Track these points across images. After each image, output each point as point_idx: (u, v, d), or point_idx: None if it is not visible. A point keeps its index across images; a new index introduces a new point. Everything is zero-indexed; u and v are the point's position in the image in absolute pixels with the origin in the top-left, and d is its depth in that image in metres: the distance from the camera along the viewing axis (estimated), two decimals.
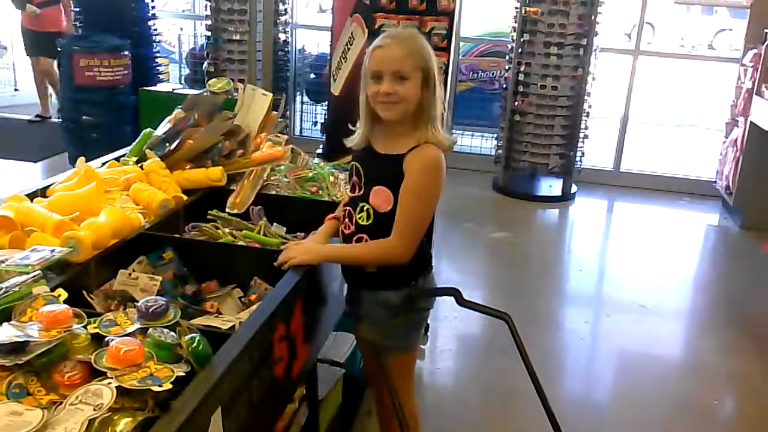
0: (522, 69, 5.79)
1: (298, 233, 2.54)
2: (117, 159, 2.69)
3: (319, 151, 3.98)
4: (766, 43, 5.33)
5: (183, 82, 7.51)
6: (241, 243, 2.31)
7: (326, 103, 7.19)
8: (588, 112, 5.90)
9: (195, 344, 1.44)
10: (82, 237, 1.90)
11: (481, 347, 3.58)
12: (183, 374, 1.39)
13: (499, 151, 6.07)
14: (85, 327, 1.49)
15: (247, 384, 1.58)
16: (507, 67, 6.03)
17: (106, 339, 1.46)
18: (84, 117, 5.69)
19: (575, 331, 3.93)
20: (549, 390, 1.92)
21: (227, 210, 2.53)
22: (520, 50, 5.81)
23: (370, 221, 2.01)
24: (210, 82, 3.28)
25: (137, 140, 2.76)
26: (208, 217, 2.49)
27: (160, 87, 4.20)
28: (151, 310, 1.54)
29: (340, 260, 2.17)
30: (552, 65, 5.71)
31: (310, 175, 2.73)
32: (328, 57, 7.00)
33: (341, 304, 2.40)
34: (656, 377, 3.48)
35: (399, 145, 1.98)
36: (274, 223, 2.54)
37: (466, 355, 3.57)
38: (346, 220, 2.09)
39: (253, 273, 2.11)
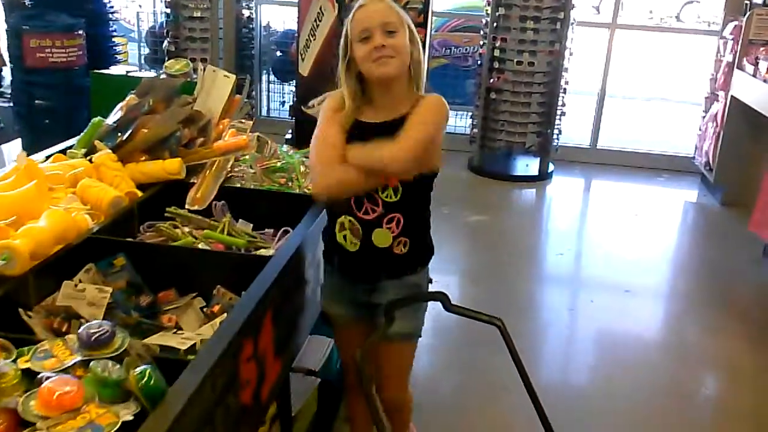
0: (497, 44, 5.57)
1: (266, 229, 2.33)
2: (63, 151, 2.44)
3: (288, 135, 3.73)
4: (746, 15, 5.18)
5: (143, 62, 7.16)
6: (202, 244, 2.09)
7: (294, 82, 7.03)
8: (565, 89, 5.72)
9: (146, 379, 1.23)
10: (17, 247, 1.66)
11: (463, 340, 3.41)
12: (131, 418, 1.17)
13: (475, 130, 5.87)
14: (14, 361, 1.27)
15: (209, 417, 1.38)
16: (481, 42, 5.80)
17: (40, 376, 1.23)
18: (36, 101, 5.36)
19: (558, 315, 3.78)
20: (533, 376, 1.80)
21: (187, 206, 2.30)
22: (495, 25, 5.58)
23: (398, 196, 1.91)
24: (167, 63, 3.03)
25: (86, 130, 2.51)
26: (166, 214, 2.25)
27: (114, 69, 3.89)
28: (93, 337, 1.32)
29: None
30: (528, 40, 5.50)
31: (279, 164, 2.50)
32: (296, 34, 6.77)
33: (317, 305, 2.20)
34: (641, 361, 3.39)
35: (399, 108, 1.90)
36: (240, 220, 2.32)
37: (447, 349, 3.39)
38: (367, 204, 1.91)
39: (217, 280, 1.89)
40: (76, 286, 1.79)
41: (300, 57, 3.52)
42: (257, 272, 1.77)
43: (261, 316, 1.66)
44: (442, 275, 3.55)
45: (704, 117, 5.83)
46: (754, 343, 3.58)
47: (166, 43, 5.97)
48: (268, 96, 7.11)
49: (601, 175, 6.25)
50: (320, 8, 3.43)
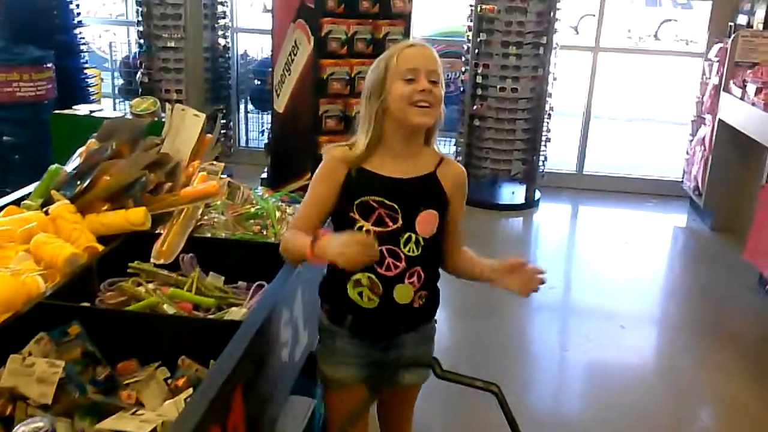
0: (479, 71, 5.45)
1: (239, 282, 2.15)
2: (17, 202, 2.25)
3: (264, 175, 3.54)
4: (731, 38, 5.10)
5: (117, 92, 6.98)
6: (167, 305, 1.90)
7: (270, 118, 6.87)
8: (550, 114, 5.60)
9: None
10: None
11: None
12: None
13: (458, 158, 5.73)
14: None
15: None
16: (463, 69, 5.69)
17: None
18: (4, 137, 5.15)
19: (553, 356, 3.61)
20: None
21: (152, 260, 2.12)
22: (476, 51, 5.47)
23: (419, 251, 1.81)
24: (132, 102, 2.87)
25: (42, 178, 2.32)
26: (129, 270, 2.07)
27: (78, 108, 3.69)
28: None
29: None
30: (511, 66, 5.38)
31: (253, 210, 2.33)
32: (270, 68, 6.64)
33: (295, 369, 2.02)
34: (632, 392, 3.28)
35: (424, 163, 1.85)
36: (210, 273, 2.14)
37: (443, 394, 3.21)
38: (389, 260, 1.79)
39: (182, 348, 1.71)
40: (24, 360, 1.60)
41: (275, 92, 3.33)
42: (227, 338, 1.59)
43: (230, 393, 1.48)
44: None
45: (692, 140, 5.74)
46: (749, 374, 3.43)
47: (139, 74, 5.79)
48: (246, 126, 6.94)
49: (589, 201, 6.12)
50: (295, 41, 3.24)
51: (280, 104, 3.38)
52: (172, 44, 5.72)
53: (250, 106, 7.08)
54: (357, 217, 1.76)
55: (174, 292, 1.95)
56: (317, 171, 1.81)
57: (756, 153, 4.99)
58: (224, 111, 6.27)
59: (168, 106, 2.67)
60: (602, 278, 4.53)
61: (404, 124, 1.76)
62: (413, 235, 1.79)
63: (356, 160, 1.77)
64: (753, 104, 4.55)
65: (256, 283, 2.08)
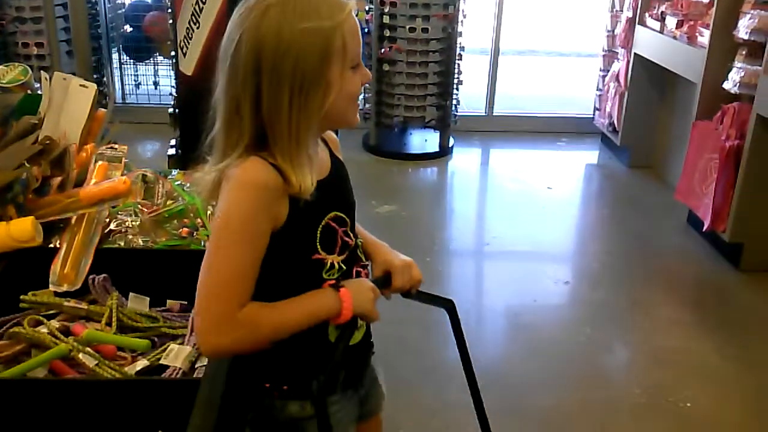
0: (386, 10, 4.99)
1: (169, 303, 1.68)
2: None
3: (171, 151, 2.97)
4: None
5: None
6: (83, 355, 1.41)
7: (151, 62, 6.13)
8: (461, 55, 5.24)
9: None
10: None
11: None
12: None
13: (368, 106, 5.29)
14: None
15: None
16: (367, 7, 5.19)
17: None
18: None
19: (502, 322, 3.35)
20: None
21: (52, 286, 1.60)
22: None
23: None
24: None
25: None
26: (22, 305, 1.55)
27: None
28: None
29: None
30: (420, 4, 4.94)
31: (176, 207, 1.83)
32: (148, 7, 5.85)
33: None
34: (571, 344, 3.13)
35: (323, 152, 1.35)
36: (131, 295, 1.66)
37: None
38: (358, 268, 1.39)
39: (105, 423, 1.24)
40: None
41: (180, 51, 2.75)
42: (181, 402, 1.15)
43: None
44: None
45: (604, 76, 5.57)
46: (692, 322, 3.32)
47: None
48: (122, 79, 6.16)
49: (501, 144, 5.88)
50: None
51: (188, 65, 2.77)
52: None
53: (124, 57, 6.28)
54: (323, 254, 1.26)
55: (91, 335, 1.46)
56: (240, 208, 1.15)
57: (672, 87, 4.88)
58: (95, 65, 5.50)
59: (43, 74, 2.08)
60: (534, 230, 4.31)
61: (337, 126, 1.31)
62: (358, 241, 1.39)
63: (301, 190, 1.17)
64: (675, 38, 4.37)
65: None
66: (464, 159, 5.52)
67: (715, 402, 2.79)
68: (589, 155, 5.70)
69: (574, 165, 5.55)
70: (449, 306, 1.53)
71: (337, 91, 1.16)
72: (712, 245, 3.98)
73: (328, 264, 1.27)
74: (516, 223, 4.40)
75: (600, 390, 2.82)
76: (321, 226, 1.25)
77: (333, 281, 1.28)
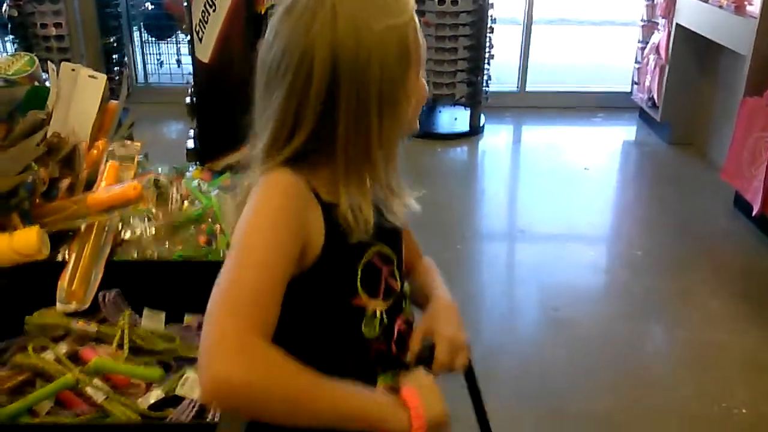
0: None
1: (187, 320, 1.55)
2: None
3: (189, 143, 2.81)
4: None
5: None
6: (90, 389, 1.28)
7: (174, 39, 5.97)
8: (492, 28, 5.01)
9: None
10: None
11: None
12: None
13: None
14: None
15: None
16: None
17: None
18: None
19: (542, 318, 3.18)
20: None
21: (59, 305, 1.47)
22: None
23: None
24: (0, 61, 2.09)
25: None
26: (26, 327, 1.42)
27: None
28: None
29: None
30: None
31: (193, 212, 1.68)
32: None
33: None
34: (620, 337, 2.98)
35: None
36: (145, 311, 1.52)
37: None
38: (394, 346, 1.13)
39: None
40: None
41: (195, 36, 2.57)
42: None
43: None
44: None
45: (643, 48, 5.30)
46: (742, 313, 3.12)
47: (5, 7, 4.79)
48: (144, 59, 6.02)
49: (534, 120, 5.65)
50: None
51: (205, 51, 2.57)
52: None
53: (145, 35, 6.13)
54: (365, 298, 1.05)
55: (99, 365, 1.32)
56: (270, 201, 0.98)
57: (716, 60, 4.62)
58: (115, 44, 5.36)
59: (50, 66, 1.93)
60: (564, 209, 4.11)
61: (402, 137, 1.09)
62: (406, 288, 1.19)
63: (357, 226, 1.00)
64: (721, 7, 4.11)
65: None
66: (496, 138, 5.31)
67: None
68: (626, 131, 5.46)
69: (611, 142, 5.32)
70: (467, 371, 1.24)
71: (415, 98, 1.04)
72: (761, 230, 3.76)
73: (370, 312, 1.05)
74: (551, 206, 4.20)
75: (647, 394, 2.65)
76: (363, 262, 1.04)
77: (377, 346, 1.05)
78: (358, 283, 1.04)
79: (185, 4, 2.69)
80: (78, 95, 1.92)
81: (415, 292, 1.24)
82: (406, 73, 1.00)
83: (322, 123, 0.97)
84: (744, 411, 2.53)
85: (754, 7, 3.76)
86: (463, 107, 5.19)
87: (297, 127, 0.98)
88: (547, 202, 4.25)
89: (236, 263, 0.91)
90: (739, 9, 3.94)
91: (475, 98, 5.09)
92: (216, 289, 0.88)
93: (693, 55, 4.75)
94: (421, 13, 4.66)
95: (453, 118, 5.32)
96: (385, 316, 1.08)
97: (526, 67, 5.70)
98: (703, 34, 4.38)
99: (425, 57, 1.05)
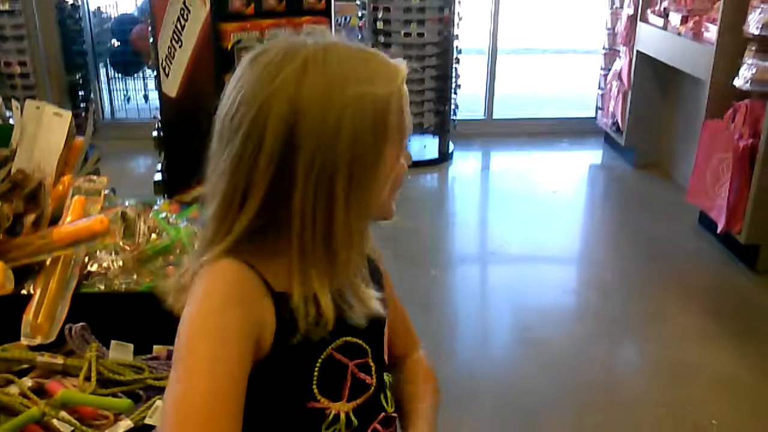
0: (380, 15, 4.84)
1: (156, 350, 1.54)
2: None
3: (157, 176, 2.82)
4: None
5: None
6: (57, 422, 1.26)
7: (140, 75, 5.97)
8: (458, 58, 5.10)
9: None
10: None
11: None
12: None
13: None
14: None
15: None
16: (359, 13, 5.04)
17: None
18: None
19: (512, 340, 3.20)
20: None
21: (24, 339, 1.46)
22: None
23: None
24: None
25: None
26: None
27: None
28: None
29: None
30: (415, 8, 4.80)
31: (161, 244, 1.68)
32: (134, 19, 5.69)
33: None
34: (585, 353, 3.00)
35: None
36: (113, 343, 1.51)
37: None
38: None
39: None
40: None
41: (162, 71, 2.58)
42: None
43: None
44: None
45: (605, 74, 5.42)
46: (710, 329, 3.17)
47: None
48: (110, 95, 6.01)
49: (502, 147, 5.73)
50: (184, 2, 2.46)
51: (172, 86, 2.58)
52: (6, 6, 4.73)
53: (112, 72, 6.13)
54: (323, 401, 0.92)
55: (65, 396, 1.31)
56: (213, 302, 0.86)
57: (677, 85, 4.75)
58: (81, 81, 5.36)
59: (14, 103, 1.93)
60: (534, 232, 4.16)
61: (373, 221, 0.96)
62: (386, 378, 1.04)
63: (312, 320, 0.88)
64: (679, 34, 4.23)
65: None
66: (465, 164, 5.37)
67: (742, 418, 2.64)
68: (593, 156, 5.56)
69: (577, 167, 5.42)
70: None
71: (391, 181, 0.91)
72: (726, 247, 3.83)
73: (331, 416, 0.92)
74: (521, 229, 4.25)
75: (621, 409, 2.67)
76: (321, 359, 0.91)
77: None
78: (314, 385, 0.91)
79: (151, 39, 2.70)
80: (43, 132, 1.91)
81: (399, 400, 1.08)
82: (382, 150, 0.87)
83: (275, 193, 0.84)
84: (714, 422, 2.56)
85: (711, 33, 3.87)
86: (431, 135, 5.25)
87: (247, 195, 0.85)
88: (517, 226, 4.30)
89: (182, 377, 0.81)
90: (697, 36, 4.06)
91: (443, 126, 5.16)
92: (165, 406, 0.81)
93: (654, 81, 4.87)
94: (387, 45, 4.76)
95: (422, 146, 5.37)
96: (353, 416, 0.94)
97: (493, 95, 5.79)
98: (663, 60, 4.50)
99: (408, 136, 0.93)
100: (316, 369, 0.91)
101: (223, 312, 0.84)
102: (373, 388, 0.98)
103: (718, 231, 3.69)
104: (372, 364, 0.98)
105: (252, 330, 0.85)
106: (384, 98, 0.87)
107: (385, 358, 1.04)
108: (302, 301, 0.86)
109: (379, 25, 4.85)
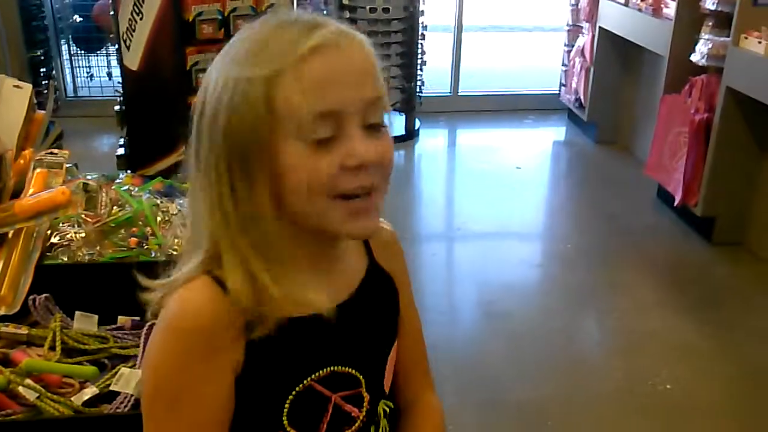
0: None
1: (120, 320, 1.56)
2: None
3: (120, 150, 2.79)
4: None
5: None
6: (23, 389, 1.28)
7: (103, 52, 5.88)
8: (423, 35, 5.11)
9: None
10: None
11: None
12: None
13: None
14: None
15: None
16: None
17: None
18: None
19: (475, 314, 3.26)
20: None
21: None
22: None
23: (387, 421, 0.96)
24: None
25: None
26: None
27: None
28: None
29: None
30: None
31: (124, 216, 1.69)
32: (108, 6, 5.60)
33: None
34: (549, 328, 3.06)
35: (351, 252, 0.95)
36: (77, 314, 1.53)
37: None
38: None
39: None
40: None
41: (123, 44, 2.56)
42: None
43: None
44: None
45: (569, 51, 5.48)
46: (669, 299, 3.27)
47: None
48: (73, 72, 5.91)
49: (467, 124, 5.77)
50: None
51: (133, 59, 2.55)
52: None
53: (74, 48, 6.03)
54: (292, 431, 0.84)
55: (31, 365, 1.33)
56: (165, 359, 0.82)
57: (638, 61, 4.82)
58: (43, 57, 5.27)
59: None
60: (498, 208, 4.23)
61: (320, 233, 0.84)
62: (385, 407, 0.95)
63: (253, 309, 0.80)
64: (640, 10, 4.30)
65: (149, 323, 1.49)
66: (431, 141, 5.41)
67: (695, 382, 2.74)
68: (556, 132, 5.63)
69: (541, 143, 5.49)
70: None
71: (296, 179, 0.77)
72: (683, 220, 3.94)
73: None
74: (486, 205, 4.31)
75: (581, 377, 2.76)
76: (296, 391, 0.83)
77: None
78: (284, 416, 0.83)
79: (111, 12, 2.68)
80: (3, 106, 1.91)
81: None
82: (269, 136, 0.76)
83: (200, 187, 0.83)
84: (668, 387, 2.66)
85: (670, 9, 3.94)
86: (397, 112, 5.27)
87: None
88: (482, 202, 4.36)
89: (147, 424, 0.82)
90: (657, 12, 4.13)
91: (409, 103, 5.19)
92: None
93: (616, 57, 4.95)
94: (353, 21, 4.75)
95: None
96: None
97: (458, 72, 5.82)
98: (624, 36, 4.57)
99: (325, 123, 0.77)
100: (289, 400, 0.83)
101: (184, 370, 0.79)
102: (359, 421, 0.88)
103: (675, 204, 3.79)
104: (366, 395, 0.89)
105: (219, 365, 0.80)
106: (261, 81, 0.76)
107: (386, 386, 0.94)
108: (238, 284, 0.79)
109: (345, 0, 4.84)
